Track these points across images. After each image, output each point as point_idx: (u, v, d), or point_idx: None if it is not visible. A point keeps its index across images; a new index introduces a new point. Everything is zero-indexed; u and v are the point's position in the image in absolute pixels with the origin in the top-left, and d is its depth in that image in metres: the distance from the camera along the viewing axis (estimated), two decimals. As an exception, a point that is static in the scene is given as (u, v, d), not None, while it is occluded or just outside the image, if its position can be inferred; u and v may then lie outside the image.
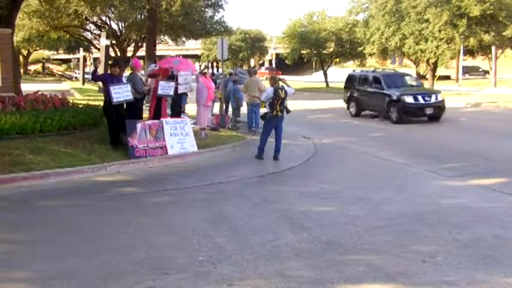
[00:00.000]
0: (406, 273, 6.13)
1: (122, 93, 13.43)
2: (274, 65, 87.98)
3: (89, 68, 71.98)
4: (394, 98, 22.69)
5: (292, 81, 31.88)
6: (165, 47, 57.42)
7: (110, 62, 20.61)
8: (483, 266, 6.41)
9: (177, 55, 47.89)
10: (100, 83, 20.06)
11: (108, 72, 14.65)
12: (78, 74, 64.59)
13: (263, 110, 15.51)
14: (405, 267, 6.33)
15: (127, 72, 24.42)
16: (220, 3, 37.33)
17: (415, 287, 5.83)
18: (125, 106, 14.14)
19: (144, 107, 15.92)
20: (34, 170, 11.23)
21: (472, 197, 9.97)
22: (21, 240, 7.43)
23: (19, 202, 9.52)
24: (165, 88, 14.83)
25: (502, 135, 18.22)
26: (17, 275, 6.18)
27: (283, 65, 70.16)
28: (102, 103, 15.29)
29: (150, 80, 15.30)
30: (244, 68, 75.78)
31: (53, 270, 6.24)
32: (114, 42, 38.00)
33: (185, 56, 60.41)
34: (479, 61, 58.62)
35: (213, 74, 47.21)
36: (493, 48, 44.98)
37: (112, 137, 13.85)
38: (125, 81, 14.45)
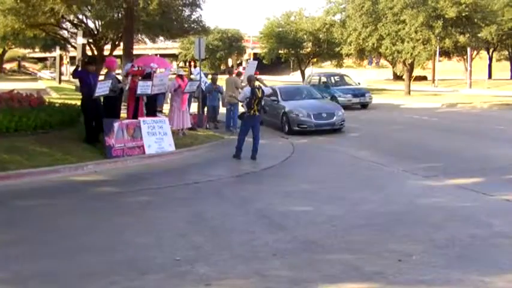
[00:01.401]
0: (383, 273, 6.17)
1: (102, 88, 13.51)
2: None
3: (65, 67, 71.32)
4: None
5: (270, 81, 31.91)
6: (143, 46, 56.99)
7: (85, 59, 20.47)
8: (458, 265, 6.48)
9: (155, 54, 47.65)
10: (77, 82, 20.07)
11: (83, 69, 14.67)
12: (53, 73, 63.89)
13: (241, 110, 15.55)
14: (382, 266, 6.37)
15: (104, 71, 24.25)
16: (197, 3, 37.12)
17: (392, 286, 5.88)
18: (102, 105, 14.20)
19: (122, 106, 15.90)
20: (9, 169, 11.11)
21: (448, 197, 10.05)
22: (-4, 241, 7.34)
23: (-6, 202, 9.42)
24: (143, 87, 14.85)
25: (477, 135, 18.42)
26: (-8, 276, 6.11)
27: (260, 65, 70.15)
28: (78, 102, 15.23)
29: (128, 78, 15.24)
30: (221, 67, 75.55)
31: (29, 270, 6.18)
32: (91, 40, 37.68)
33: (163, 55, 60.19)
34: (455, 62, 59.24)
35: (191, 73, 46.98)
36: (469, 49, 45.46)
37: (88, 135, 13.83)
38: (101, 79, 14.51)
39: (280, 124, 19.71)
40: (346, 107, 25.38)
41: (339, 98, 28.25)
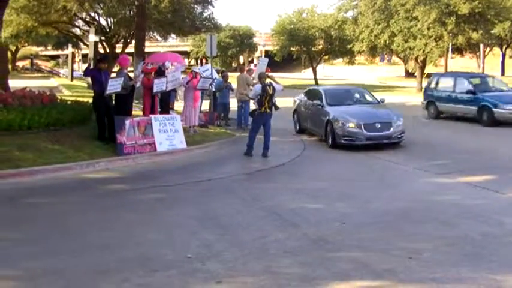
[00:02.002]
0: (393, 270, 6.16)
1: (114, 85, 13.58)
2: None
3: (78, 65, 71.60)
4: None
5: (282, 78, 31.90)
6: (154, 44, 57.12)
7: (98, 58, 20.64)
8: (469, 263, 6.45)
9: (166, 51, 47.74)
10: (89, 79, 20.24)
11: (96, 67, 14.77)
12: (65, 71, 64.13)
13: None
14: (392, 264, 6.36)
15: (116, 69, 24.38)
16: (209, 0, 37.23)
17: (402, 284, 5.86)
18: (113, 102, 14.29)
19: (134, 104, 15.99)
20: (21, 167, 11.17)
21: (460, 194, 10.01)
22: (8, 238, 7.38)
23: (6, 199, 9.46)
24: (159, 85, 14.95)
25: (489, 132, 18.32)
26: (5, 273, 6.14)
27: (272, 62, 69.90)
28: (90, 99, 15.31)
29: (141, 76, 15.33)
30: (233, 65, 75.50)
31: (41, 267, 6.21)
32: (102, 38, 37.84)
33: (175, 53, 60.17)
34: (468, 59, 58.91)
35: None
36: (481, 46, 45.20)
37: (101, 132, 13.90)
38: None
39: (324, 135, 16.19)
40: (504, 123, 19.50)
41: (495, 110, 19.72)
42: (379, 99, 17.78)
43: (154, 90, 14.86)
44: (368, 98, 18.05)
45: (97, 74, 14.11)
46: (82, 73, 60.73)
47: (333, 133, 15.45)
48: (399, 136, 15.47)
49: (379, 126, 15.20)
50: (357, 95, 18.31)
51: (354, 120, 15.20)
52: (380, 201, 9.49)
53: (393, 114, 16.01)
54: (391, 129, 15.25)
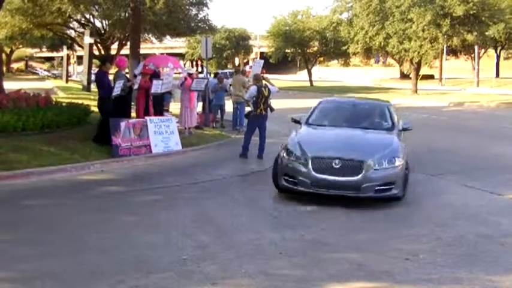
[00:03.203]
0: (390, 272, 6.16)
1: (118, 88, 13.55)
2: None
3: (73, 67, 71.47)
4: None
5: (277, 80, 31.93)
6: (150, 45, 57.12)
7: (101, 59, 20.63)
8: (465, 263, 6.46)
9: (160, 53, 47.73)
10: (84, 81, 20.21)
11: (100, 69, 14.77)
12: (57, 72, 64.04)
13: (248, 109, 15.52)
14: (388, 265, 6.36)
15: (112, 70, 24.39)
16: (204, 2, 37.28)
17: (398, 285, 5.86)
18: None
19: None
20: (16, 168, 11.11)
21: (455, 196, 10.04)
22: (2, 240, 7.33)
23: (1, 201, 9.42)
24: (156, 86, 14.96)
25: (485, 134, 18.37)
26: (-1, 275, 6.13)
27: (267, 64, 69.97)
28: (86, 101, 15.27)
29: (138, 77, 15.32)
30: (229, 66, 75.46)
31: (35, 270, 6.18)
32: (98, 40, 37.86)
33: (170, 55, 60.25)
34: (462, 61, 59.05)
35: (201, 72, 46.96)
36: (476, 48, 45.37)
37: (99, 135, 13.82)
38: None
39: None
40: None
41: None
42: (397, 124, 11.37)
43: (152, 91, 14.86)
44: (383, 119, 11.54)
45: (103, 76, 14.03)
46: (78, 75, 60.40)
47: (275, 168, 10.22)
48: (377, 188, 9.17)
49: (338, 165, 9.24)
50: (368, 114, 11.86)
51: (299, 150, 9.78)
52: (375, 203, 9.46)
53: (381, 148, 9.77)
54: (360, 175, 9.14)
